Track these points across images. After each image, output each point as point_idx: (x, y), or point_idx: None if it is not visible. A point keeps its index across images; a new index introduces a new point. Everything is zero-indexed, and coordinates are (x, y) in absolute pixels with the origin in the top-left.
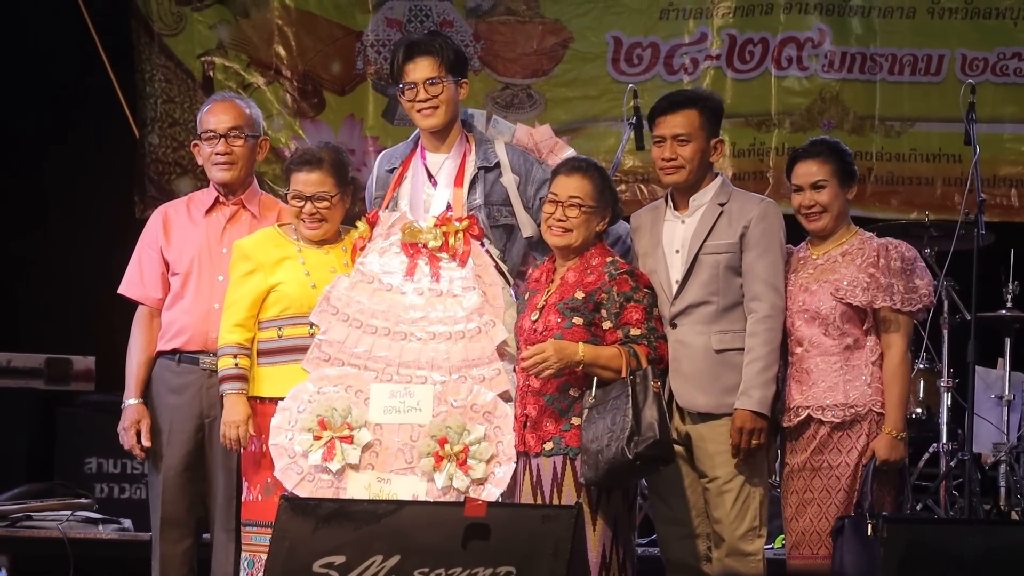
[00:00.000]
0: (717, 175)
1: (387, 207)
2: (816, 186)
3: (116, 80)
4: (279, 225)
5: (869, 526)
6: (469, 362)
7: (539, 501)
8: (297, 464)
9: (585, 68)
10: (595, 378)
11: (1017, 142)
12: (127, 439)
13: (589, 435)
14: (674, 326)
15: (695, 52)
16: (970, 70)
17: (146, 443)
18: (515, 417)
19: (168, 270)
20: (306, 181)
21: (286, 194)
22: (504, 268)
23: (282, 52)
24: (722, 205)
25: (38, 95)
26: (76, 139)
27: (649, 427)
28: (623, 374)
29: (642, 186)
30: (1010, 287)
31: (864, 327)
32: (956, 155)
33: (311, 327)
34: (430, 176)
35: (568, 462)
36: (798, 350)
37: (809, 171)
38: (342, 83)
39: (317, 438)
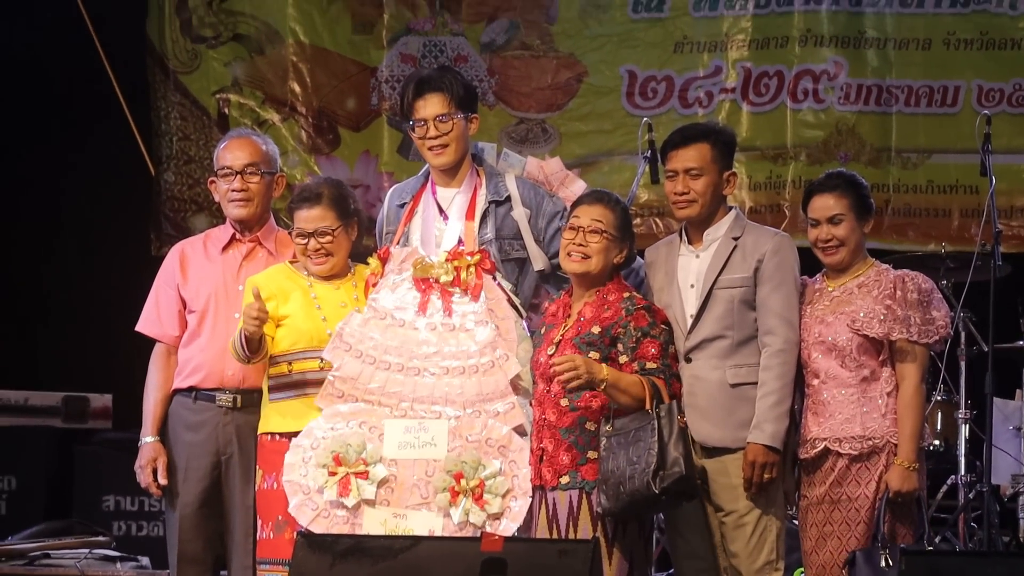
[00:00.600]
0: (731, 209)
1: (398, 242)
2: (833, 220)
3: (132, 118)
4: (290, 262)
5: (883, 557)
6: (483, 396)
7: (555, 535)
8: (312, 500)
9: (599, 102)
10: (611, 410)
11: None
12: (144, 477)
13: (609, 465)
14: (689, 360)
15: (710, 85)
16: (986, 101)
17: (162, 481)
18: (531, 451)
19: (185, 308)
20: (307, 217)
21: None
22: (517, 301)
23: (297, 88)
24: (736, 239)
25: (55, 133)
26: (93, 177)
27: (675, 462)
28: (647, 405)
29: (657, 220)
30: None
31: (880, 359)
32: (973, 186)
33: (321, 361)
34: (441, 211)
35: (584, 496)
36: (815, 382)
37: (826, 205)
38: (357, 119)
39: (332, 474)
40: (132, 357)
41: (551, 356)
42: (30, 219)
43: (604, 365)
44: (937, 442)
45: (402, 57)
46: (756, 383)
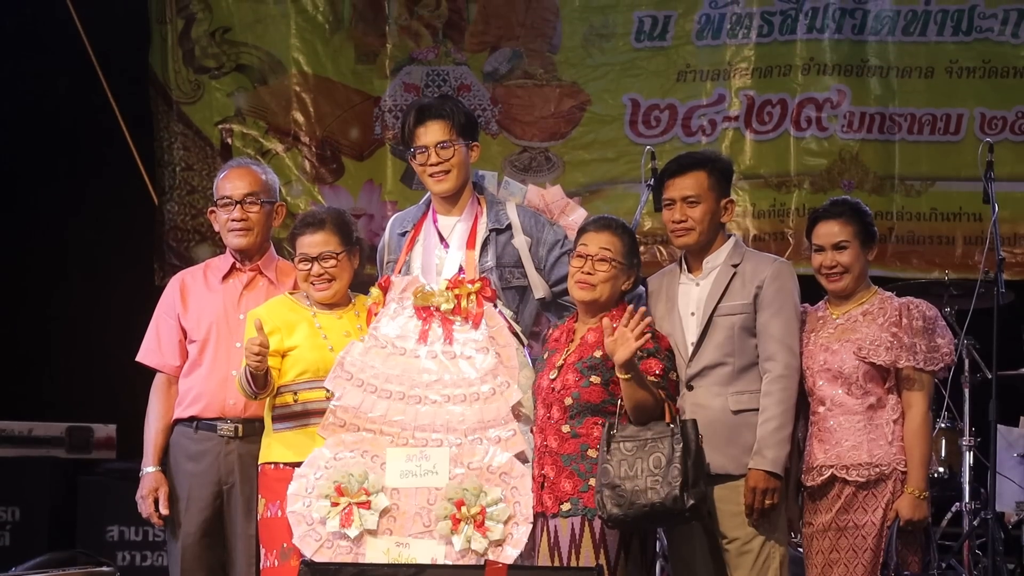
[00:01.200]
0: (730, 236)
1: (399, 271)
2: (838, 247)
3: (135, 148)
4: (291, 293)
5: None
6: (484, 423)
7: (556, 563)
8: (315, 531)
9: (603, 130)
10: (621, 408)
11: None
12: (145, 507)
13: (620, 472)
14: (691, 388)
15: (713, 113)
16: (989, 129)
17: (164, 511)
18: (532, 477)
19: (186, 337)
20: (311, 243)
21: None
22: (518, 329)
23: (300, 118)
24: (735, 266)
25: (59, 163)
26: (96, 207)
27: (697, 480)
28: (666, 414)
29: (661, 247)
30: None
31: (886, 386)
32: (976, 214)
33: (327, 391)
34: (442, 239)
35: (586, 523)
36: (820, 409)
37: (831, 231)
38: (360, 148)
39: (334, 504)
40: (136, 387)
41: (553, 380)
42: (35, 249)
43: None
44: (941, 469)
45: (405, 86)
46: (758, 409)
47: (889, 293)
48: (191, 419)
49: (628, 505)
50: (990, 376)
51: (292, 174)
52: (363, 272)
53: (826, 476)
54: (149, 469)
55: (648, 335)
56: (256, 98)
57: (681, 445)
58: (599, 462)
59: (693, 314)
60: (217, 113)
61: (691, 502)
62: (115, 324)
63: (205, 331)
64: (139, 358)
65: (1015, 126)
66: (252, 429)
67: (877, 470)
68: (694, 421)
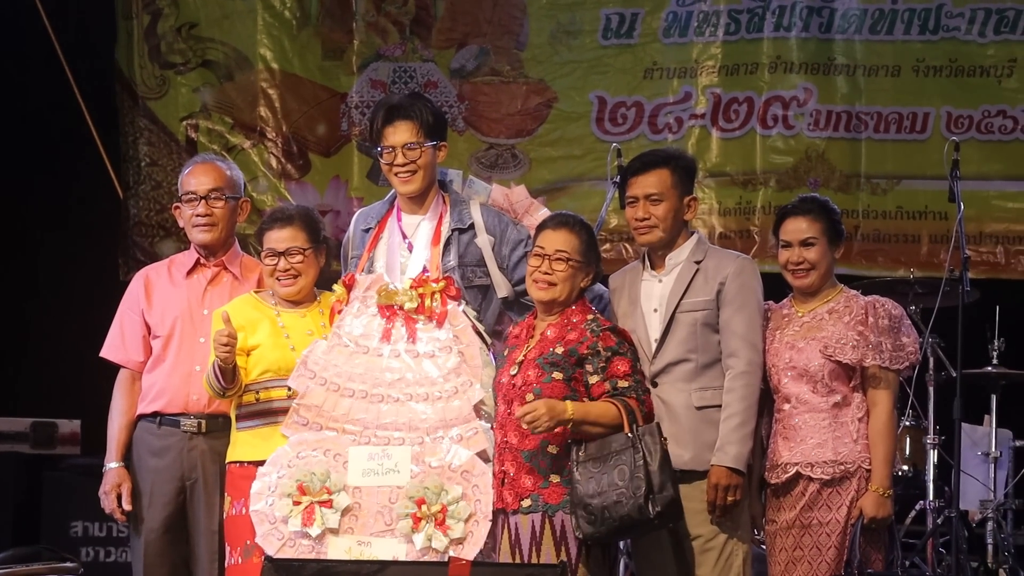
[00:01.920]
0: (693, 233)
1: (362, 269)
2: (806, 243)
3: (101, 143)
4: (255, 292)
5: None
6: (447, 422)
7: (517, 559)
8: (278, 530)
9: (569, 128)
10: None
11: (1002, 199)
12: (108, 503)
13: (588, 489)
14: (655, 384)
15: (679, 111)
16: (955, 128)
17: (127, 506)
18: (493, 474)
19: (150, 333)
20: (278, 238)
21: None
22: (481, 328)
23: (266, 114)
24: (698, 263)
25: (24, 159)
26: (61, 202)
27: (664, 485)
28: (625, 429)
29: (627, 244)
30: (995, 344)
31: (851, 384)
32: (942, 212)
33: (289, 390)
34: (405, 238)
35: (547, 520)
36: (785, 407)
37: (799, 228)
38: (327, 145)
39: (296, 503)
40: (100, 383)
41: (514, 376)
42: None
43: (568, 403)
44: (906, 467)
45: (372, 83)
46: (721, 406)
47: (855, 291)
48: (154, 415)
49: (600, 522)
50: (955, 374)
51: (258, 170)
52: (329, 269)
53: (791, 473)
54: (112, 465)
55: (554, 423)
56: (222, 94)
57: (640, 455)
58: (570, 483)
59: (656, 311)
60: (183, 109)
61: (657, 508)
62: (80, 319)
63: (169, 327)
64: (103, 354)
65: (981, 125)
66: (216, 425)
67: (842, 468)
68: (652, 426)
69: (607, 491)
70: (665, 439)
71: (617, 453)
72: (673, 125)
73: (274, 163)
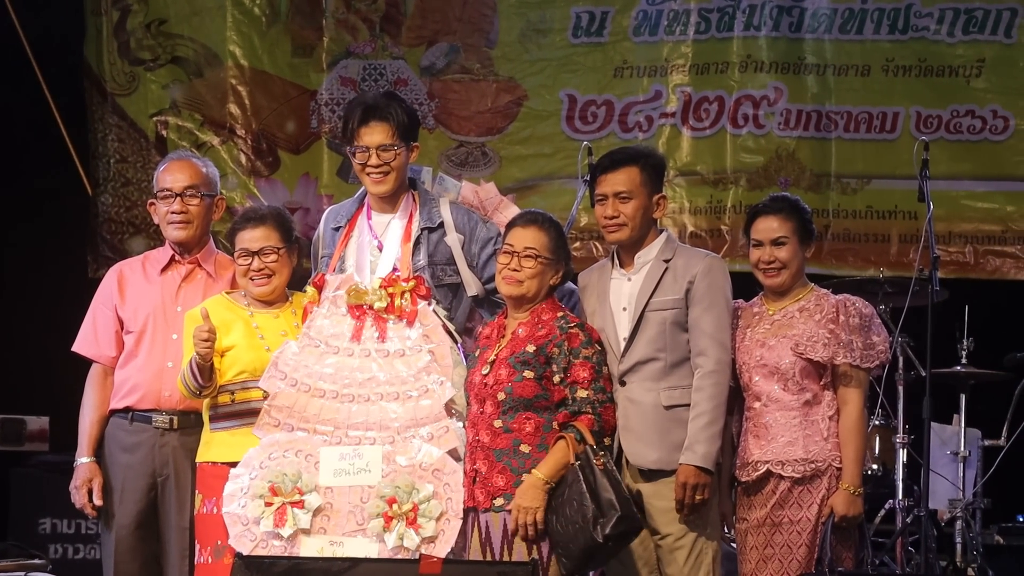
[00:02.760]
0: (662, 231)
1: (333, 268)
2: (777, 242)
3: (70, 139)
4: (227, 293)
5: None
6: (417, 421)
7: (488, 557)
8: (250, 531)
9: (539, 126)
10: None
11: (972, 199)
12: (79, 497)
13: (558, 528)
14: (623, 383)
15: (650, 110)
16: (924, 127)
17: (97, 502)
18: (464, 473)
19: (122, 328)
20: (251, 238)
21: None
22: (451, 327)
23: (236, 111)
24: (667, 261)
25: None
26: (30, 198)
27: (609, 504)
28: (570, 458)
29: (597, 243)
30: (965, 343)
31: (822, 382)
32: (912, 212)
33: (263, 391)
34: (376, 237)
35: None
36: (756, 405)
37: (770, 227)
38: (296, 142)
39: (268, 504)
40: (70, 380)
41: (485, 376)
42: None
43: (533, 473)
44: (875, 466)
45: (342, 80)
46: (690, 405)
47: (825, 291)
48: (126, 410)
49: (570, 556)
50: (924, 374)
51: (228, 167)
52: (301, 268)
53: (761, 472)
54: (83, 460)
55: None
56: (192, 90)
57: (582, 484)
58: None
59: (625, 309)
60: (152, 105)
61: (606, 532)
62: (48, 316)
63: (142, 322)
64: (75, 348)
65: (950, 125)
66: (187, 421)
67: (813, 466)
68: (584, 451)
69: (567, 527)
70: (600, 456)
71: (571, 486)
72: (643, 124)
73: (243, 160)
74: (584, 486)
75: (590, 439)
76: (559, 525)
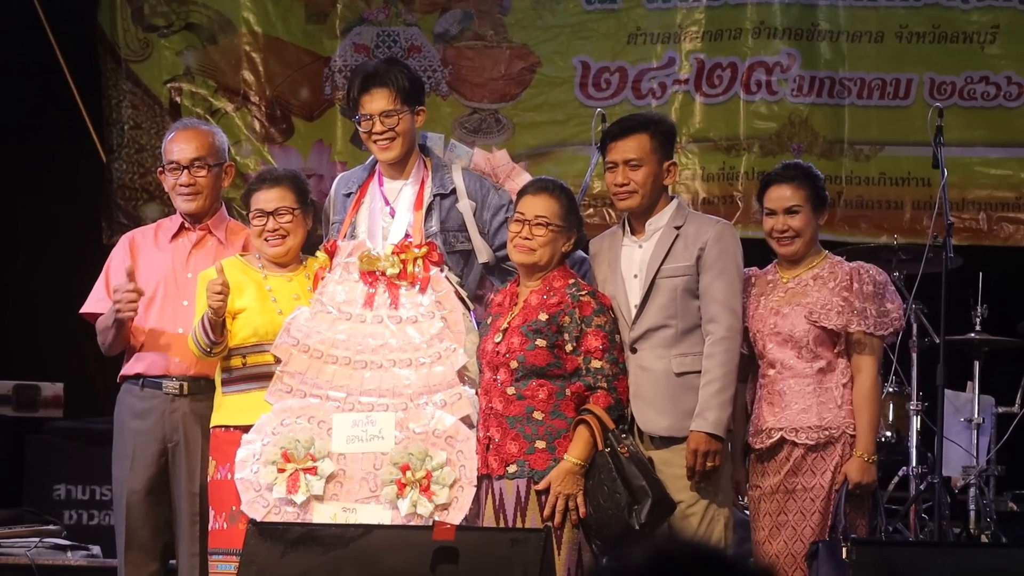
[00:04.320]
0: (673, 198)
1: (344, 234)
2: (790, 211)
3: (84, 106)
4: (241, 255)
5: (844, 549)
6: (430, 388)
7: (501, 525)
8: (263, 497)
9: (553, 93)
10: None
11: (985, 165)
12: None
13: (590, 511)
14: (634, 351)
15: (663, 76)
16: (938, 94)
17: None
18: (477, 440)
19: None
20: (267, 198)
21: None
22: (463, 294)
23: (250, 78)
24: (678, 228)
25: (6, 121)
26: (44, 165)
27: (642, 491)
28: (599, 445)
29: (610, 210)
30: (979, 310)
31: (836, 350)
32: (925, 179)
33: (275, 356)
34: (388, 203)
35: (532, 485)
36: (770, 372)
37: (783, 195)
38: (310, 109)
39: (281, 470)
40: (84, 346)
41: (498, 344)
42: None
43: (566, 459)
44: (889, 433)
45: (355, 47)
46: (701, 371)
47: (839, 258)
48: (137, 376)
49: (605, 541)
50: (938, 341)
51: (242, 134)
52: (315, 233)
53: (775, 439)
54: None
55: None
56: (205, 57)
57: (612, 470)
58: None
59: (636, 276)
60: (166, 72)
61: (641, 520)
62: (63, 283)
63: (152, 288)
64: (85, 308)
65: (964, 91)
66: (198, 387)
67: (827, 433)
68: (612, 436)
69: (600, 513)
70: (623, 443)
71: (600, 471)
72: (657, 90)
73: (257, 127)
74: (615, 472)
75: (610, 423)
76: (591, 509)
